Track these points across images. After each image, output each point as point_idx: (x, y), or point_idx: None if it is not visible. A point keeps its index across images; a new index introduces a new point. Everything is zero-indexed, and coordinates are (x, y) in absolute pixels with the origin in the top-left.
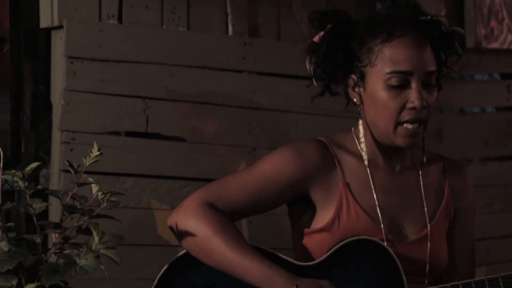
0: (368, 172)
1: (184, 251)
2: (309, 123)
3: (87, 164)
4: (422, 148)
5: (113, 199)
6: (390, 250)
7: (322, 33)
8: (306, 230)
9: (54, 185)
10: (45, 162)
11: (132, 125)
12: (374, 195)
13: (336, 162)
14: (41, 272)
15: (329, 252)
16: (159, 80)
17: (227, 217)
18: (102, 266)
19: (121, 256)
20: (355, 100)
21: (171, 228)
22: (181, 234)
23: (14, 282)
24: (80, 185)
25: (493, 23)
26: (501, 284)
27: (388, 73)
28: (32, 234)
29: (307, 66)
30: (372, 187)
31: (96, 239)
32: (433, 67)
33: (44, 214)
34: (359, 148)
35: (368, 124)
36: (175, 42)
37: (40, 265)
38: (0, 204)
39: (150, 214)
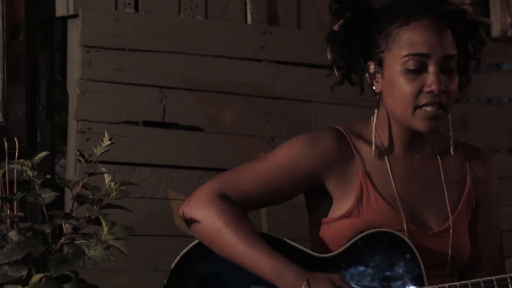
0: (387, 162)
1: (196, 241)
2: (329, 112)
3: (98, 153)
4: (445, 136)
5: (122, 188)
6: (409, 241)
7: (341, 21)
8: (324, 219)
9: (70, 175)
10: (63, 152)
11: (148, 114)
12: (393, 185)
13: (354, 152)
14: (49, 262)
15: (348, 244)
16: (176, 69)
17: (239, 207)
18: (112, 257)
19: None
20: (374, 88)
21: (182, 218)
22: (192, 225)
23: (24, 273)
24: (90, 174)
25: None
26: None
27: (405, 56)
28: (42, 224)
29: (328, 55)
30: (391, 177)
31: (105, 229)
32: (452, 51)
33: (60, 204)
34: (378, 137)
35: (388, 111)
36: (193, 30)
37: (50, 255)
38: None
39: (167, 205)
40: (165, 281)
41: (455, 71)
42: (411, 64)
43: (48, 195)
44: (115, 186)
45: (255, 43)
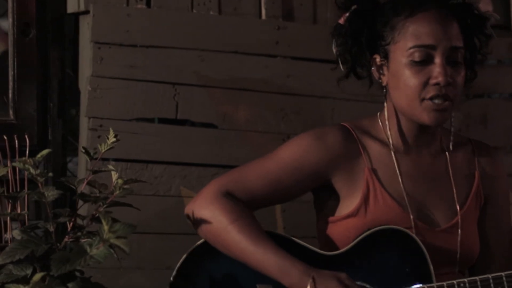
0: (394, 158)
1: (202, 240)
2: (346, 108)
3: (103, 150)
4: (450, 131)
5: (125, 186)
6: (417, 238)
7: (346, 14)
8: (331, 218)
9: (82, 172)
10: (76, 149)
11: (161, 111)
12: (401, 181)
13: (360, 148)
14: (52, 261)
15: (354, 241)
16: (189, 65)
17: (244, 205)
18: (115, 255)
19: (142, 245)
20: (380, 82)
21: (187, 217)
22: (197, 224)
23: (29, 271)
24: (95, 172)
25: None
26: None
27: (411, 48)
28: (46, 222)
29: (333, 49)
30: (399, 173)
31: (106, 228)
32: (458, 43)
33: (74, 202)
34: (384, 133)
35: (395, 105)
36: (206, 26)
37: (54, 254)
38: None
39: (180, 202)
40: (171, 279)
41: (462, 64)
42: (417, 56)
43: (51, 193)
44: (119, 184)
45: (269, 38)
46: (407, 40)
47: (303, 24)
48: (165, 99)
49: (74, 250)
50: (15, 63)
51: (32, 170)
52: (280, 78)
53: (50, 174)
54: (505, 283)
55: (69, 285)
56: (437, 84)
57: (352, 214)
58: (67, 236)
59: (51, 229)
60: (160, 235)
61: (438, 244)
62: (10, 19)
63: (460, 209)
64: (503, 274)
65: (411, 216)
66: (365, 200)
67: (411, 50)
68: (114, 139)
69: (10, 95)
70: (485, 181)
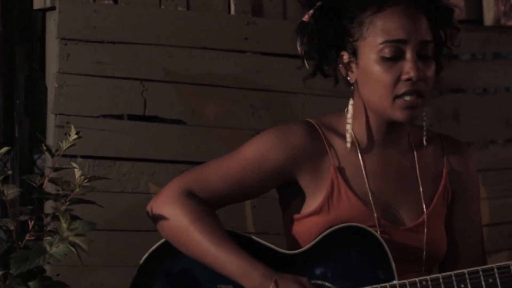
0: (359, 156)
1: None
2: (316, 104)
3: (64, 148)
4: (421, 128)
5: (85, 184)
6: (379, 236)
7: (311, 11)
8: (295, 216)
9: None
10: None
11: (129, 108)
12: (366, 180)
13: (326, 146)
14: (11, 260)
15: (317, 239)
16: (157, 61)
17: (206, 205)
18: (74, 250)
19: (110, 243)
20: (348, 79)
21: (148, 215)
22: (158, 223)
23: None
24: (56, 170)
25: None
26: (496, 274)
27: (381, 44)
28: (7, 220)
29: (298, 48)
30: (364, 171)
31: (64, 226)
32: (428, 37)
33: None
34: (350, 130)
35: (365, 102)
36: (174, 22)
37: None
38: None
39: (148, 199)
40: (133, 278)
41: (432, 58)
42: (387, 52)
43: (11, 192)
44: (80, 182)
45: (238, 34)
46: (376, 36)
47: (273, 19)
48: (133, 95)
49: (34, 249)
50: None
51: None
52: (249, 74)
53: (10, 172)
54: (467, 280)
55: (30, 284)
56: (409, 79)
57: (315, 212)
58: (28, 235)
59: (12, 227)
60: (128, 232)
61: (404, 242)
62: None
63: (426, 208)
64: (465, 271)
65: (375, 215)
66: (329, 198)
67: (381, 46)
68: (76, 136)
69: None
70: (453, 177)
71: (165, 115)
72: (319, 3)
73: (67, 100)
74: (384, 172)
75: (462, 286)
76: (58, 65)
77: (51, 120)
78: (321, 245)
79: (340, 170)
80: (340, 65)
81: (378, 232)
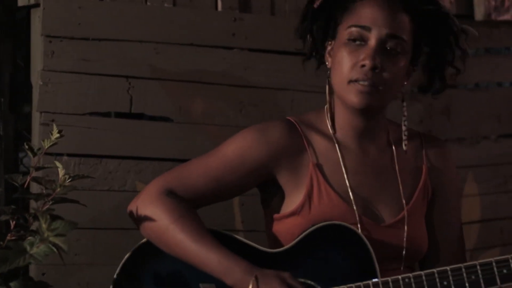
0: (339, 152)
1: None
2: (305, 100)
3: (46, 146)
4: (400, 125)
5: (66, 183)
6: (361, 234)
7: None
8: (276, 215)
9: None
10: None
11: (115, 105)
12: (346, 177)
13: (305, 143)
14: None
15: (299, 238)
16: (143, 58)
17: (187, 204)
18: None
19: (96, 241)
20: (327, 63)
21: (130, 215)
22: (140, 223)
23: None
24: (38, 169)
25: None
26: (479, 271)
27: (349, 27)
28: None
29: (304, 35)
30: (343, 168)
31: (44, 226)
32: (398, 33)
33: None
34: (329, 126)
35: (333, 88)
36: (161, 18)
37: None
38: None
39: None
40: (115, 276)
41: (402, 56)
42: (352, 34)
43: None
44: (62, 181)
45: (226, 30)
46: (349, 19)
47: (260, 15)
48: (119, 92)
49: (14, 249)
50: None
51: None
52: (237, 70)
53: None
54: (450, 277)
55: (11, 284)
56: (363, 66)
57: (296, 212)
58: (9, 234)
59: None
60: (115, 230)
61: (384, 240)
62: None
63: (406, 204)
64: (448, 268)
65: (356, 212)
66: (309, 196)
67: (349, 29)
68: (58, 135)
69: None
70: (432, 174)
71: (151, 112)
72: None
73: (52, 98)
74: (363, 169)
75: (445, 283)
76: (43, 62)
77: (36, 118)
78: (304, 244)
79: (320, 167)
80: (326, 54)
81: (359, 229)
